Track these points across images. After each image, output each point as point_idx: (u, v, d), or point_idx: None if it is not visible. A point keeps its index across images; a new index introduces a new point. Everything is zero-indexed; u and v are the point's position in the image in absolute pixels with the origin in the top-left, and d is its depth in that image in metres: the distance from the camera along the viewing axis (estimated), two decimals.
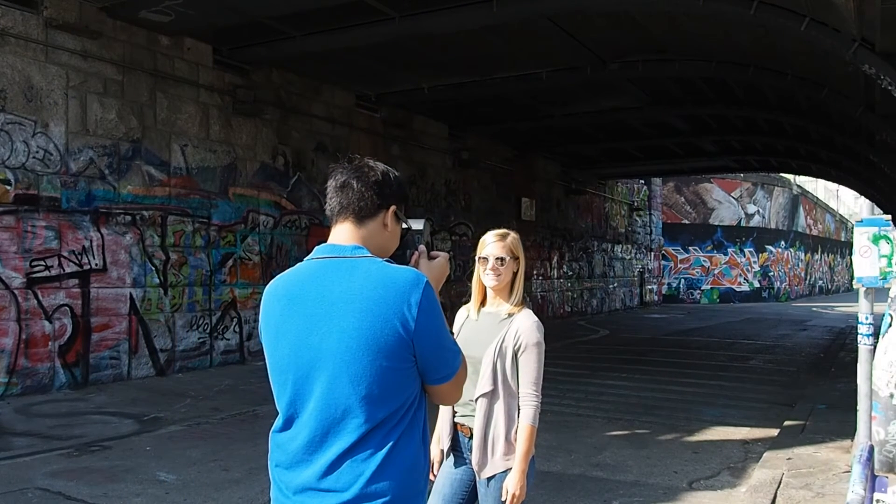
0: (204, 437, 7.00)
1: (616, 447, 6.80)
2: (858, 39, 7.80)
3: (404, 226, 2.00)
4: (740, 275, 35.29)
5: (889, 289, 5.42)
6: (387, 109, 14.84)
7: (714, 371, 11.86)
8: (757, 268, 35.83)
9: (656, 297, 31.59)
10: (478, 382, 2.84)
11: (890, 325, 5.61)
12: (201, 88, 11.11)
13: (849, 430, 6.54)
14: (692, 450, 6.79)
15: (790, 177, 37.23)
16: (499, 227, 3.07)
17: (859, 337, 5.09)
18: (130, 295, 10.00)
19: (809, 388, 10.02)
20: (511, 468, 2.79)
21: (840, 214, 53.73)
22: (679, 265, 34.59)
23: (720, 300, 34.30)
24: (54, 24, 9.05)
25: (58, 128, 9.17)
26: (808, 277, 44.10)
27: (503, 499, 2.77)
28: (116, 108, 9.89)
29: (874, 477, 3.68)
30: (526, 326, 2.87)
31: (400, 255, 1.98)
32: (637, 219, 29.51)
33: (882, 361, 5.52)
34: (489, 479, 2.83)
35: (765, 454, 6.44)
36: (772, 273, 36.77)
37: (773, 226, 37.04)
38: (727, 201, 34.99)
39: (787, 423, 7.70)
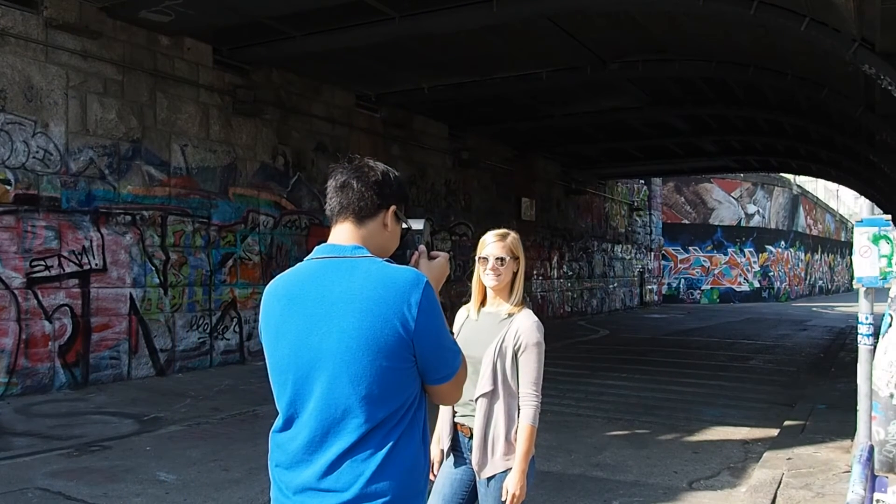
0: (204, 437, 7.01)
1: (616, 447, 6.80)
2: (858, 39, 7.80)
3: (404, 226, 2.00)
4: (740, 275, 35.29)
5: (889, 289, 5.42)
6: (387, 109, 14.84)
7: (714, 371, 11.85)
8: (757, 268, 35.83)
9: (656, 297, 31.58)
10: (478, 382, 2.84)
11: (890, 325, 5.61)
12: (201, 88, 11.12)
13: (849, 430, 6.54)
14: (692, 450, 6.79)
15: (790, 177, 37.22)
16: (499, 227, 3.07)
17: (859, 337, 5.08)
18: (130, 295, 10.01)
19: (809, 388, 10.02)
20: (511, 468, 2.79)
21: (840, 214, 53.73)
22: (679, 265, 34.59)
23: (720, 300, 34.30)
24: (54, 24, 9.05)
25: (58, 128, 9.17)
26: (808, 277, 44.10)
27: (503, 499, 2.77)
28: (116, 108, 9.89)
29: (874, 477, 3.68)
30: (526, 326, 2.87)
31: (400, 255, 1.98)
32: (637, 219, 29.51)
33: (882, 361, 5.52)
34: (489, 479, 2.83)
35: (765, 454, 6.44)
36: (772, 273, 36.76)
37: (773, 226, 37.04)
38: (727, 201, 34.99)
39: (787, 423, 7.70)
